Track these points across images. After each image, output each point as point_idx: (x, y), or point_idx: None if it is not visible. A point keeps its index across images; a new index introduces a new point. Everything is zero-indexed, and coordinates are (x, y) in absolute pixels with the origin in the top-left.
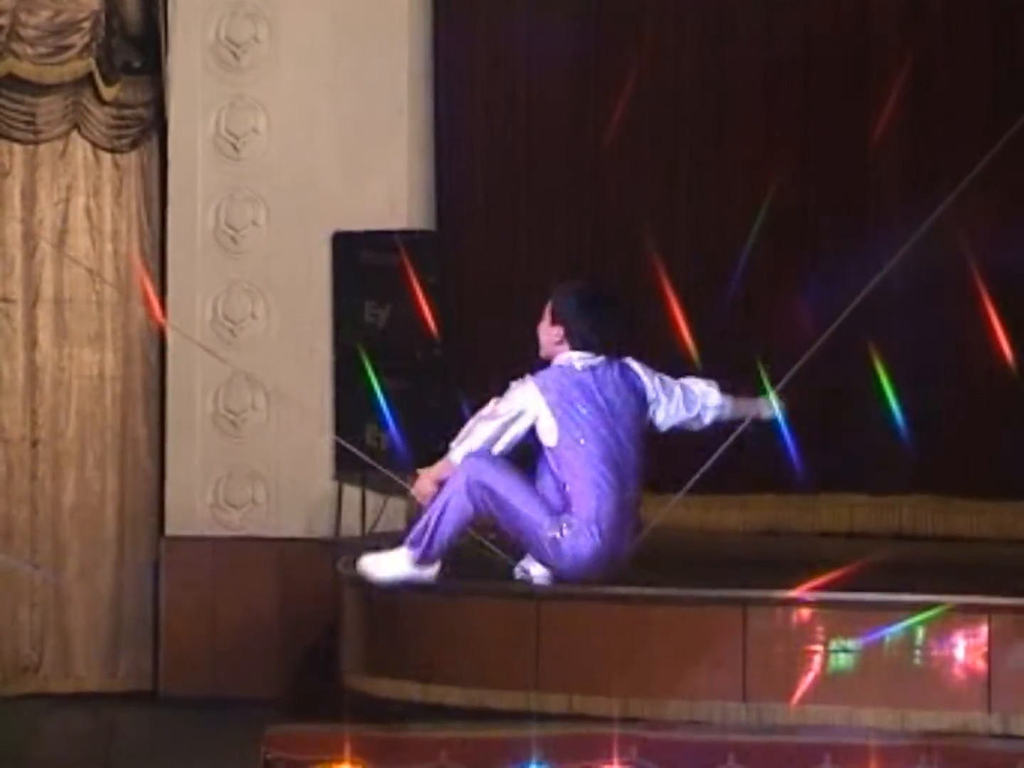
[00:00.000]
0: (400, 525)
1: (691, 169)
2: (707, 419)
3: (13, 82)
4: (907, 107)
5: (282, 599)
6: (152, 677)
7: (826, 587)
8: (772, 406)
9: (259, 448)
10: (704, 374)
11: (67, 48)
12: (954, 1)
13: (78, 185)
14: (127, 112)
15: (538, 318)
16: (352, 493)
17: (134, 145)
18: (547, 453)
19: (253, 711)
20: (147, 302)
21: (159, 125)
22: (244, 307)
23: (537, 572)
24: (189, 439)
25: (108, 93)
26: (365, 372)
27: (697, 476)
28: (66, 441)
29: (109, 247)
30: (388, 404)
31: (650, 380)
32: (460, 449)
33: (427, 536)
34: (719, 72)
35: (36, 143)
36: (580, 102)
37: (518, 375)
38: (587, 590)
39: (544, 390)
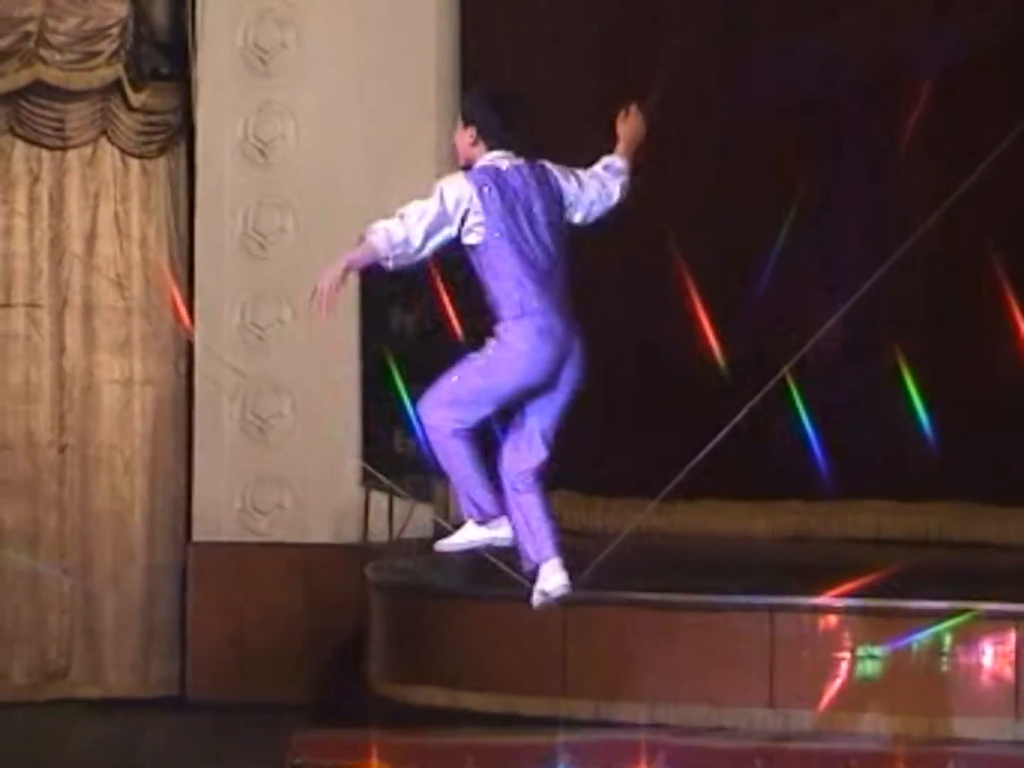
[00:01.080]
0: (427, 531)
1: (717, 169)
2: (617, 197)
3: (42, 88)
4: (934, 109)
5: (309, 605)
6: (180, 682)
7: (853, 593)
8: None
9: (286, 454)
10: (730, 373)
11: (95, 54)
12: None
13: (106, 191)
14: (155, 118)
15: None
16: (379, 499)
17: (162, 151)
18: (471, 254)
19: (280, 716)
20: (174, 309)
21: (187, 131)
22: (271, 313)
23: (554, 585)
24: (217, 445)
25: (136, 99)
26: (392, 378)
27: (680, 477)
28: (94, 447)
29: (137, 253)
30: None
31: (567, 182)
32: (383, 234)
33: (465, 499)
34: (744, 71)
35: (64, 149)
36: (605, 102)
37: None
38: (614, 596)
39: (475, 185)
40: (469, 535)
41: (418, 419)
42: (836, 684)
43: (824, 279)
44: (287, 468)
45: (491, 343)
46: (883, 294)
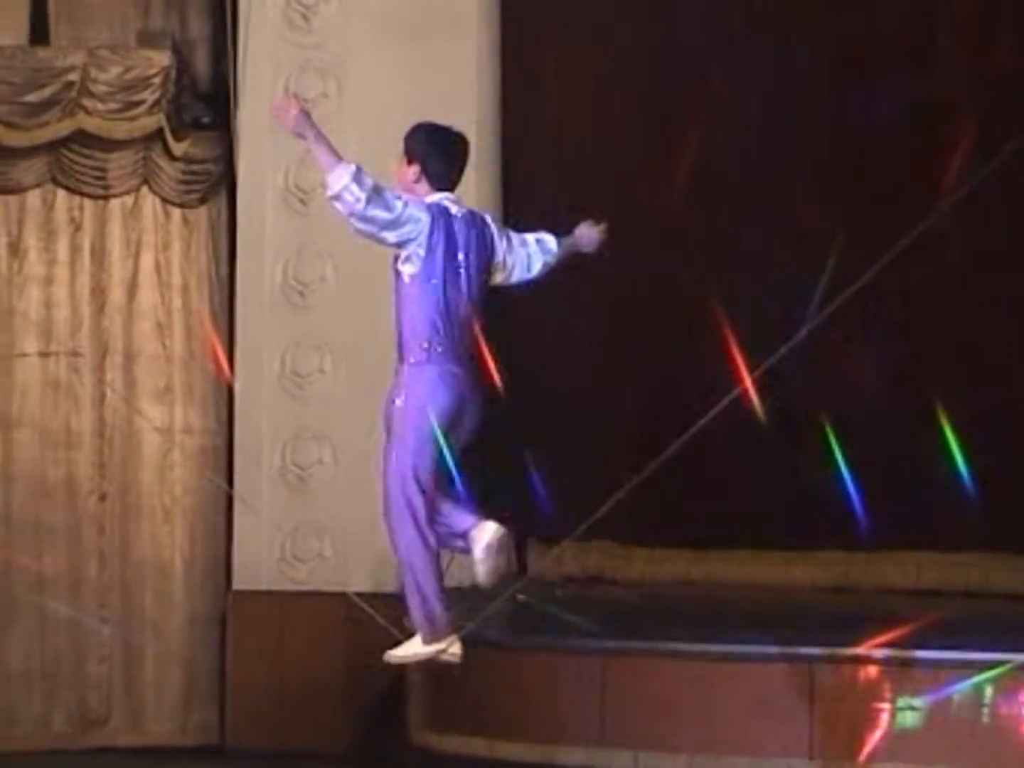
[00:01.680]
0: (467, 579)
1: (758, 215)
2: (536, 272)
3: (84, 137)
4: (974, 164)
5: (348, 653)
6: (219, 731)
7: (893, 644)
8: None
9: (326, 502)
10: (768, 426)
11: (137, 104)
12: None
13: (147, 240)
14: (196, 167)
15: (603, 366)
16: None
17: (203, 200)
18: (399, 283)
19: (319, 765)
20: (214, 358)
21: (228, 180)
22: (311, 362)
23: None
24: (257, 493)
25: (178, 148)
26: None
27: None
28: (134, 495)
29: (178, 302)
30: (454, 457)
31: (500, 242)
32: (348, 179)
33: (418, 610)
34: (785, 116)
35: (106, 198)
36: (648, 149)
37: (578, 428)
38: (653, 646)
39: (431, 219)
40: (415, 650)
41: (389, 485)
42: (876, 735)
43: (860, 332)
44: (327, 516)
45: (398, 397)
46: (923, 343)
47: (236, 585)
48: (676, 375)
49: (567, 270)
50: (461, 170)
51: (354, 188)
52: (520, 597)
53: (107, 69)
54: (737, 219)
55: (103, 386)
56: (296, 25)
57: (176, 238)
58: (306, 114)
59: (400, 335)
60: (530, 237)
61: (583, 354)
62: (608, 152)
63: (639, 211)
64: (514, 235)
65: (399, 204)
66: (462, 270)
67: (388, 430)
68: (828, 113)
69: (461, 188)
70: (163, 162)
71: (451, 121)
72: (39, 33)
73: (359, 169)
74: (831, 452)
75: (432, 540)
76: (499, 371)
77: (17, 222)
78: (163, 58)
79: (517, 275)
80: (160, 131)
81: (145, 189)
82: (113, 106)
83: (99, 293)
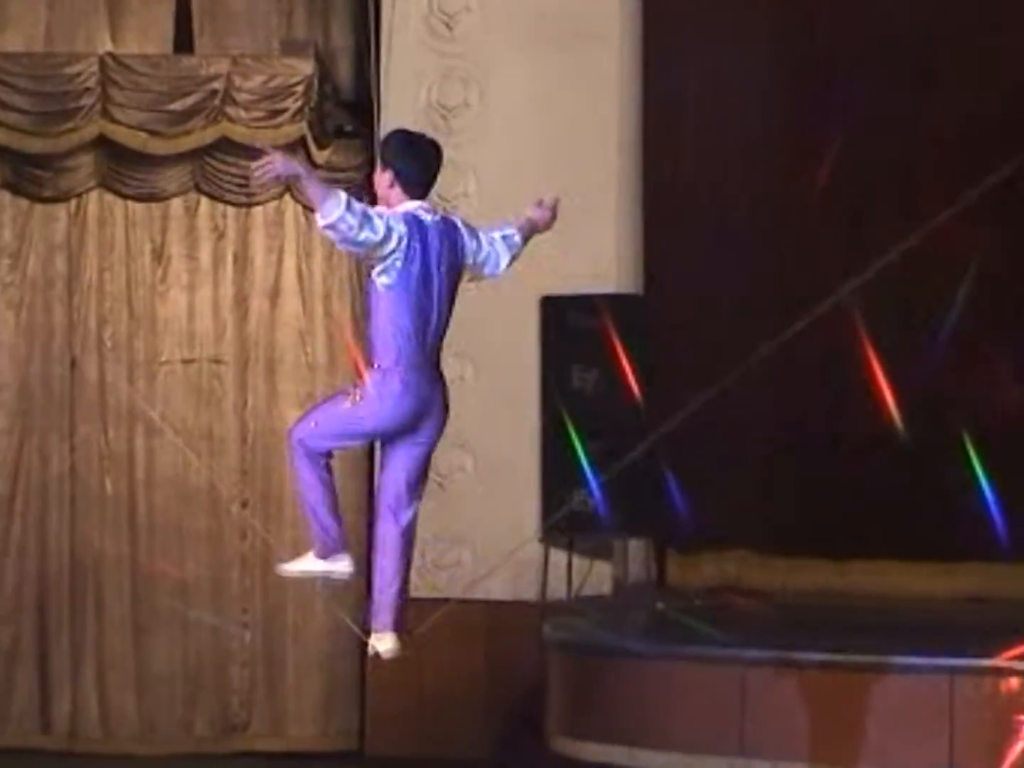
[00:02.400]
0: (606, 589)
1: (897, 230)
2: (504, 267)
3: (227, 145)
4: None
5: (488, 661)
6: (359, 737)
7: None
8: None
9: (466, 511)
10: (909, 438)
11: (280, 112)
12: None
13: (290, 247)
14: (339, 175)
15: (742, 375)
16: (558, 556)
17: None
18: (372, 291)
19: None
20: (355, 366)
21: (371, 188)
22: (454, 370)
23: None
24: None
25: (320, 156)
26: (571, 436)
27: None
28: (276, 502)
29: (320, 309)
30: (594, 468)
31: (470, 242)
32: (341, 211)
33: (314, 527)
34: (923, 125)
35: (249, 206)
36: (788, 158)
37: (717, 438)
38: (793, 656)
39: (407, 230)
40: (307, 565)
41: (287, 440)
42: (1016, 747)
43: (1007, 346)
44: (467, 524)
45: (358, 389)
46: None
47: None
48: (815, 384)
49: (709, 277)
50: (434, 176)
51: (348, 217)
52: (659, 606)
53: (251, 78)
54: (874, 223)
55: (245, 393)
56: (439, 34)
57: (318, 246)
58: (288, 155)
59: (371, 342)
60: (496, 234)
61: (722, 363)
62: (748, 159)
63: (778, 217)
64: (483, 234)
65: (381, 224)
66: (434, 279)
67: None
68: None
69: (600, 193)
70: None
71: (591, 136)
72: (183, 42)
73: (349, 199)
74: (972, 465)
75: (326, 475)
76: (638, 382)
77: (161, 230)
78: (306, 67)
79: (488, 272)
80: (303, 139)
81: (287, 197)
82: (256, 114)
83: (242, 300)
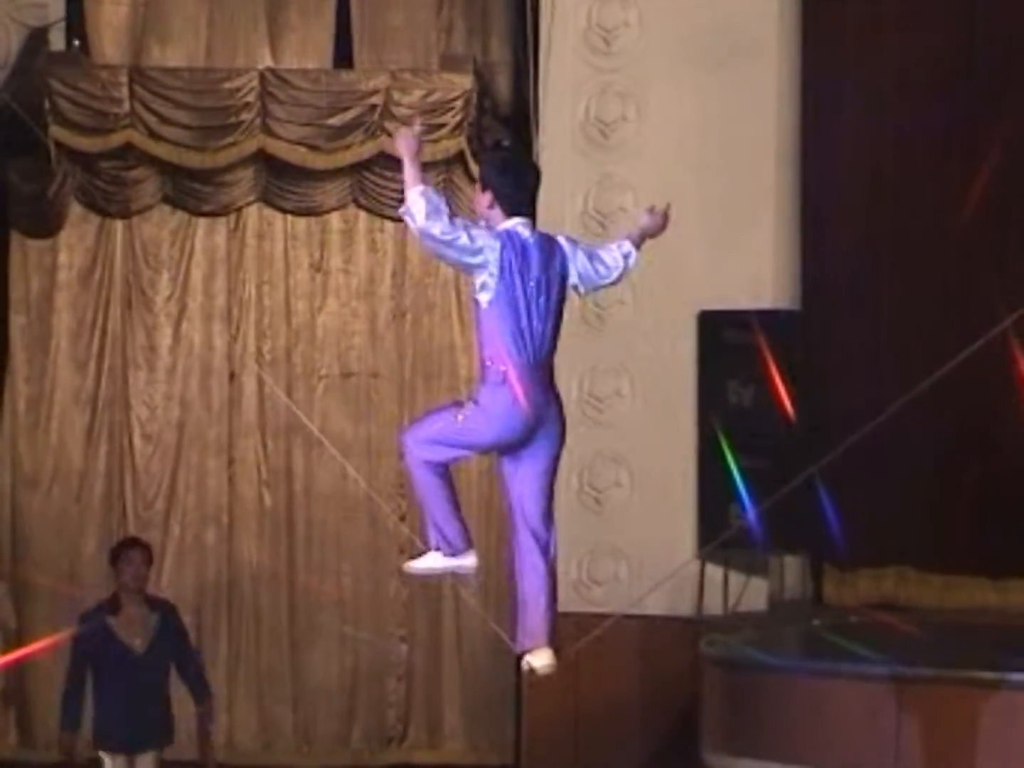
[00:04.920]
0: (761, 605)
1: None
2: (614, 279)
3: (386, 160)
4: None
5: (643, 676)
6: (515, 750)
7: None
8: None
9: (622, 525)
10: None
11: (439, 127)
12: None
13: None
14: None
15: (899, 392)
16: (714, 572)
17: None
18: (476, 310)
19: None
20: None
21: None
22: (610, 385)
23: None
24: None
25: (478, 172)
26: (727, 451)
27: None
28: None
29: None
30: (749, 483)
31: (573, 258)
32: (422, 205)
33: (434, 530)
34: None
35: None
36: (946, 175)
37: (877, 456)
38: (950, 674)
39: (500, 243)
40: (432, 563)
41: (401, 447)
42: None
43: None
44: (623, 539)
45: (470, 403)
46: None
47: None
48: (973, 403)
49: (868, 293)
50: (534, 196)
51: (420, 202)
52: (815, 623)
53: (410, 92)
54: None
55: (401, 406)
56: (597, 49)
57: None
58: (418, 143)
59: (480, 358)
60: (605, 253)
61: (877, 381)
62: (907, 174)
63: (938, 233)
64: (586, 250)
65: (462, 229)
66: (535, 293)
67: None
68: None
69: (757, 208)
70: (463, 184)
71: (749, 151)
72: (343, 57)
73: (427, 189)
74: None
75: (441, 479)
76: (795, 399)
77: (320, 243)
78: (465, 82)
79: (597, 283)
80: (461, 154)
81: None
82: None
83: (399, 315)
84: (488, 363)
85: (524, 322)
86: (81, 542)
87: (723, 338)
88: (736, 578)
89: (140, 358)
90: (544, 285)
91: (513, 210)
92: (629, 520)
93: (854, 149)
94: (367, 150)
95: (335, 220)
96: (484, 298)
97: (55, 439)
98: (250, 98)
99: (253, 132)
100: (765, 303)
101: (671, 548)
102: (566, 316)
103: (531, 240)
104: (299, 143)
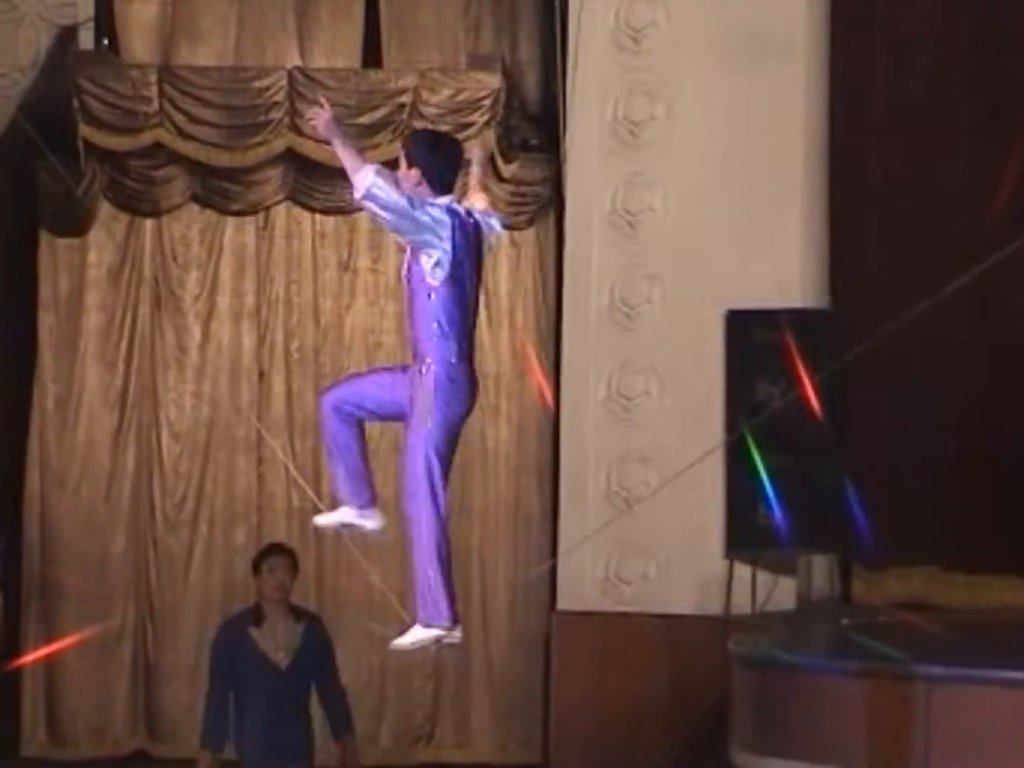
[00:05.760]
0: (790, 604)
1: None
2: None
3: None
4: None
5: (671, 675)
6: (543, 749)
7: None
8: None
9: (650, 525)
10: None
11: (467, 126)
12: None
13: None
14: (525, 189)
15: (928, 392)
16: (743, 571)
17: (531, 222)
18: (419, 287)
19: None
20: (537, 381)
21: (556, 202)
22: (638, 385)
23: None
24: (581, 514)
25: (507, 170)
26: (756, 451)
27: None
28: (461, 514)
29: (505, 322)
30: (778, 483)
31: (485, 226)
32: (372, 180)
33: (346, 484)
34: None
35: None
36: (976, 173)
37: (906, 456)
38: (980, 674)
39: (451, 219)
40: (340, 517)
41: (320, 405)
42: None
43: None
44: (651, 539)
45: (414, 380)
46: None
47: (560, 605)
48: (1002, 402)
49: (898, 291)
50: (456, 174)
51: (379, 182)
52: (843, 622)
53: (438, 91)
54: None
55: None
56: (625, 48)
57: (504, 259)
58: (336, 121)
59: (423, 337)
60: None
61: (906, 380)
62: (937, 172)
63: (970, 231)
64: (481, 218)
65: (418, 204)
66: (470, 270)
67: (408, 421)
68: None
69: (786, 207)
70: (492, 183)
71: (777, 150)
72: (372, 56)
73: (380, 168)
74: None
75: (357, 429)
76: (823, 398)
77: (348, 242)
78: (493, 80)
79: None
80: (489, 153)
81: None
82: (444, 128)
83: None
84: (436, 343)
85: (469, 299)
86: (110, 541)
87: (751, 337)
88: (764, 577)
89: (169, 357)
90: (475, 261)
91: (439, 189)
92: (658, 520)
93: (882, 147)
94: (396, 149)
95: (363, 219)
96: (438, 275)
97: (83, 438)
98: (279, 97)
99: (282, 131)
100: (794, 302)
101: (700, 547)
102: (594, 316)
103: (467, 215)
104: (328, 142)
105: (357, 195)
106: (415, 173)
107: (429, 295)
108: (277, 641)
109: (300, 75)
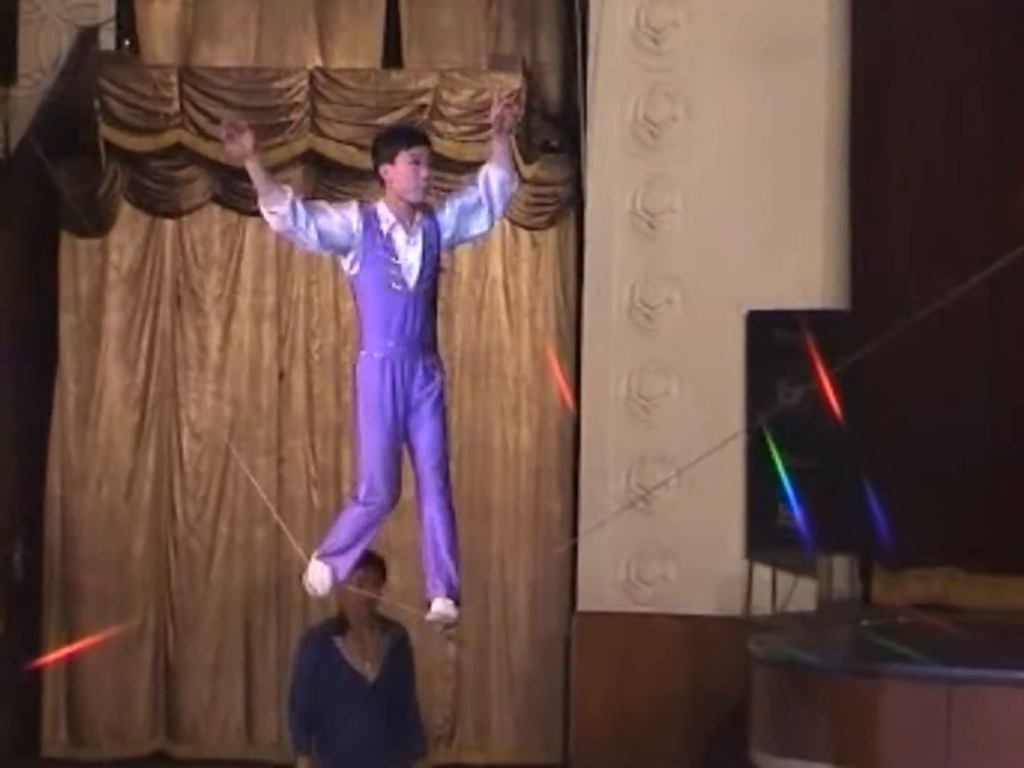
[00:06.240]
0: (810, 605)
1: None
2: (494, 221)
3: (435, 159)
4: None
5: (692, 676)
6: (563, 750)
7: None
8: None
9: (671, 525)
10: None
11: (488, 127)
12: None
13: (496, 262)
14: (545, 190)
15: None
16: (763, 572)
17: (551, 223)
18: (352, 284)
19: None
20: (556, 381)
21: (576, 203)
22: (658, 385)
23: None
24: (602, 515)
25: (527, 171)
26: (776, 452)
27: None
28: (485, 516)
29: (525, 323)
30: (798, 484)
31: (449, 222)
32: (282, 208)
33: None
34: None
35: None
36: (998, 173)
37: (926, 456)
38: (1001, 675)
39: (365, 221)
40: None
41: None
42: None
43: None
44: (671, 539)
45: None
46: None
47: (581, 606)
48: None
49: (919, 293)
50: (384, 156)
51: (286, 222)
52: (864, 623)
53: (458, 92)
54: None
55: (451, 406)
56: (646, 48)
57: (524, 260)
58: (250, 144)
59: (357, 328)
60: (470, 198)
61: (927, 381)
62: (959, 172)
63: (991, 233)
64: (457, 202)
65: (332, 214)
66: (403, 266)
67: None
68: None
69: (807, 207)
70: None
71: (798, 150)
72: (392, 57)
73: (295, 200)
74: None
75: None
76: (842, 400)
77: None
78: (514, 81)
79: (473, 234)
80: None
81: None
82: (464, 128)
83: (448, 315)
84: (362, 333)
85: (392, 295)
86: (130, 541)
87: (772, 338)
88: (784, 578)
89: (189, 357)
90: (413, 255)
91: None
92: (678, 520)
93: (904, 147)
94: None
95: None
96: (353, 272)
97: (104, 439)
98: (299, 98)
99: (302, 132)
100: (814, 303)
101: (720, 548)
102: (614, 317)
103: (396, 213)
104: (348, 143)
105: (263, 207)
106: (384, 168)
107: (355, 291)
108: (364, 652)
109: (321, 76)
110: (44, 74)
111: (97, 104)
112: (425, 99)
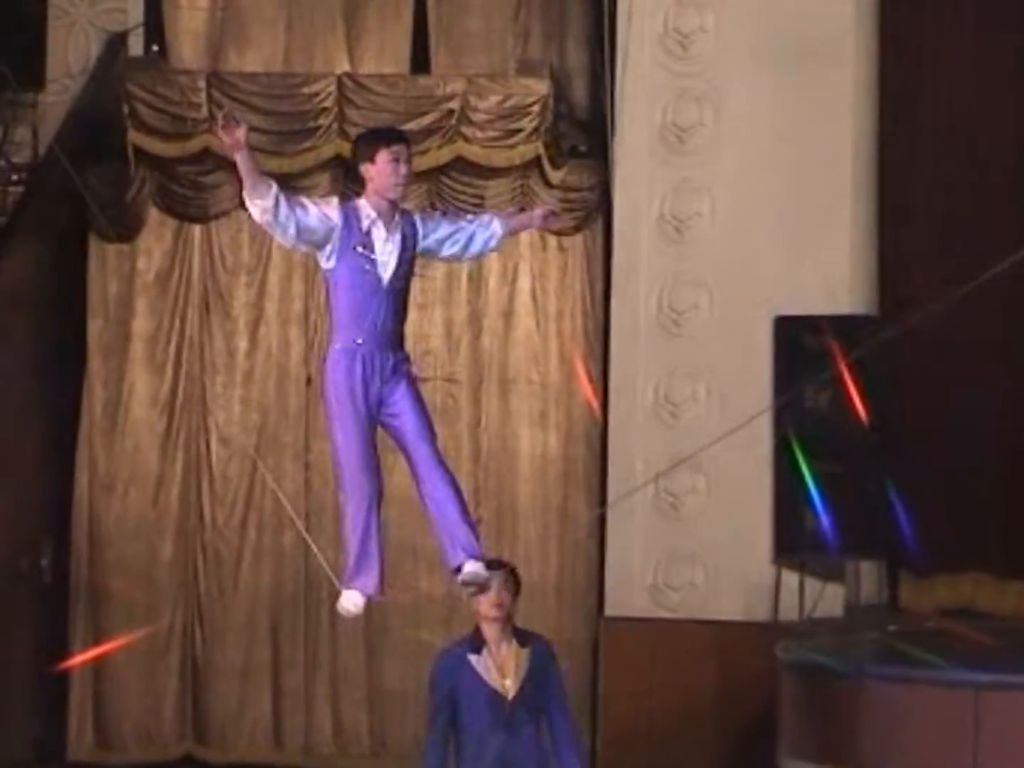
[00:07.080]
0: (838, 611)
1: None
2: (474, 252)
3: (463, 165)
4: None
5: (719, 682)
6: (591, 755)
7: None
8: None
9: (698, 531)
10: None
11: (516, 132)
12: None
13: (524, 267)
14: (573, 195)
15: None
16: (790, 578)
17: (579, 228)
18: (328, 277)
19: None
20: (583, 387)
21: (604, 208)
22: (685, 390)
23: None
24: (629, 520)
25: (555, 176)
26: (804, 457)
27: None
28: (511, 519)
29: (553, 328)
30: (825, 489)
31: (427, 231)
32: (264, 203)
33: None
34: None
35: None
36: None
37: (954, 462)
38: None
39: (345, 220)
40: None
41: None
42: None
43: None
44: (699, 545)
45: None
46: None
47: (608, 611)
48: None
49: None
50: (365, 156)
51: (273, 208)
52: (891, 628)
53: (486, 97)
54: None
55: (479, 411)
56: (674, 54)
57: (552, 266)
58: (241, 138)
59: (329, 322)
60: (467, 227)
61: (956, 387)
62: (987, 176)
63: (1019, 237)
64: (445, 222)
65: (312, 211)
66: (379, 260)
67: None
68: None
69: (835, 212)
70: (540, 189)
71: (825, 154)
72: (420, 62)
73: (279, 194)
74: None
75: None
76: (869, 405)
77: None
78: (542, 87)
79: (442, 254)
80: (538, 159)
81: None
82: (492, 134)
83: (475, 320)
84: (332, 327)
85: (365, 290)
86: (158, 546)
87: (799, 343)
88: (812, 584)
89: (217, 362)
90: (388, 255)
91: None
92: (705, 526)
93: (932, 152)
94: (444, 155)
95: None
96: (328, 266)
97: (132, 443)
98: (327, 103)
99: (330, 137)
100: (842, 308)
101: (748, 554)
102: (642, 322)
103: (379, 209)
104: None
105: (247, 197)
106: (365, 167)
107: (329, 285)
108: (502, 669)
109: (349, 81)
110: (73, 80)
111: (125, 109)
112: (453, 104)
